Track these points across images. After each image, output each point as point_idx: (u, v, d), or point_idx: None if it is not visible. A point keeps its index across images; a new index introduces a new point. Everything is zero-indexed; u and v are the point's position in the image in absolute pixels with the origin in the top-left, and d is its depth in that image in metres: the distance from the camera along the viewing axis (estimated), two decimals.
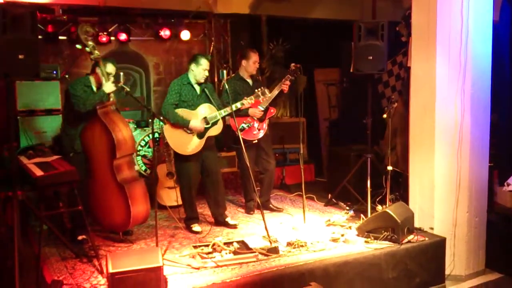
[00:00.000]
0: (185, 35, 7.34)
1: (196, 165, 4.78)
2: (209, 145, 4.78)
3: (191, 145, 4.66)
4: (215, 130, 4.75)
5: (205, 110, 4.70)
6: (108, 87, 4.31)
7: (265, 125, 5.25)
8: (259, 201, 4.48)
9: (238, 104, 4.73)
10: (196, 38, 7.69)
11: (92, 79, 4.48)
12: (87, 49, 4.28)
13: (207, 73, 4.66)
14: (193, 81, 4.71)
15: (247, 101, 4.78)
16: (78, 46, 6.40)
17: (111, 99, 4.37)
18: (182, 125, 4.62)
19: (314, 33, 7.87)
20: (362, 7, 8.06)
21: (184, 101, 4.67)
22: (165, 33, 7.24)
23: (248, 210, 5.48)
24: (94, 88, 4.46)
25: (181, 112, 4.65)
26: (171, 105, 4.64)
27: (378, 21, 5.10)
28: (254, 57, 5.22)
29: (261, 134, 5.21)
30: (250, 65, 5.23)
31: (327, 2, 7.91)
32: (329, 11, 7.98)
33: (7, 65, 3.48)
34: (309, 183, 6.67)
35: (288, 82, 5.11)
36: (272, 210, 5.47)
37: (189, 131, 4.66)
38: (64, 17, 6.64)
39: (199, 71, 4.64)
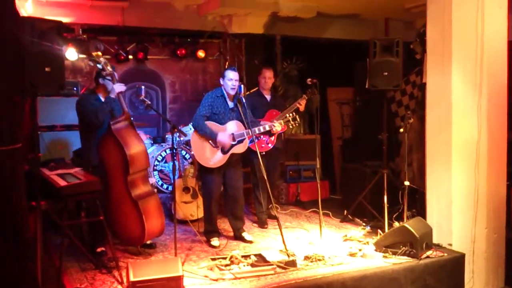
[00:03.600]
0: (201, 54, 7.48)
1: (218, 179, 4.81)
2: (233, 160, 4.80)
3: (214, 158, 4.71)
4: (240, 148, 4.77)
5: (234, 126, 4.75)
6: (114, 90, 4.33)
7: (273, 139, 5.42)
8: (276, 213, 4.51)
9: (267, 127, 4.84)
10: (211, 57, 7.84)
11: (100, 92, 4.49)
12: (99, 65, 4.33)
13: (234, 83, 4.70)
14: (226, 95, 4.78)
15: (276, 126, 4.89)
16: (91, 63, 6.50)
17: (125, 114, 4.34)
18: (209, 137, 4.67)
19: (327, 52, 7.97)
20: (375, 27, 8.20)
21: (215, 114, 4.74)
22: (181, 52, 7.41)
23: (261, 224, 5.51)
24: (103, 100, 4.47)
25: (210, 125, 4.72)
26: (201, 116, 4.71)
27: (393, 38, 5.16)
28: (264, 73, 5.53)
29: (270, 146, 5.41)
30: (261, 80, 5.53)
31: (340, 23, 8.05)
32: (342, 32, 8.12)
33: (34, 77, 3.58)
34: (324, 200, 6.60)
35: (304, 101, 5.33)
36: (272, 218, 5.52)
37: (214, 145, 4.71)
38: (84, 36, 6.81)
39: (225, 82, 4.72)
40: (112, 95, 4.36)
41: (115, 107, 4.43)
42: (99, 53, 4.45)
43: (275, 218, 4.65)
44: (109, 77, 4.39)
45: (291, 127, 5.15)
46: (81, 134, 4.58)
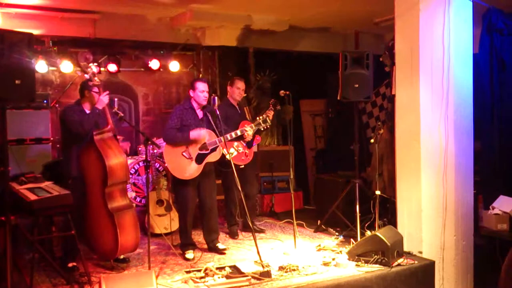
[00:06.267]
0: (174, 66, 7.47)
1: (193, 191, 4.81)
2: (206, 171, 4.80)
3: (189, 170, 4.70)
4: (214, 157, 4.78)
5: (206, 136, 4.76)
6: (101, 102, 4.35)
7: (252, 152, 5.49)
8: (250, 223, 4.51)
9: (238, 132, 4.84)
10: (185, 69, 7.84)
11: (85, 104, 4.49)
12: (87, 75, 4.35)
13: (206, 94, 4.73)
14: (195, 106, 4.79)
15: (248, 130, 4.93)
16: (79, 73, 6.44)
17: (109, 126, 4.37)
18: (182, 140, 4.65)
19: (300, 65, 8.09)
20: (345, 40, 8.35)
21: (185, 125, 4.72)
22: (154, 64, 7.37)
23: (233, 235, 5.51)
24: (87, 112, 4.47)
25: None
26: (171, 128, 4.70)
27: (363, 51, 5.29)
28: (237, 84, 5.50)
29: (249, 159, 5.44)
30: (234, 90, 5.50)
31: (312, 36, 8.17)
32: (314, 44, 8.25)
33: (3, 90, 3.52)
34: (298, 211, 6.66)
35: (271, 113, 5.27)
36: (256, 231, 5.47)
37: (187, 156, 4.70)
38: (54, 48, 6.72)
39: (197, 94, 4.74)
40: (100, 107, 4.35)
41: (100, 119, 4.42)
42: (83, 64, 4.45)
43: (250, 229, 4.68)
44: (96, 89, 4.38)
45: (262, 129, 5.12)
46: (63, 145, 4.56)
